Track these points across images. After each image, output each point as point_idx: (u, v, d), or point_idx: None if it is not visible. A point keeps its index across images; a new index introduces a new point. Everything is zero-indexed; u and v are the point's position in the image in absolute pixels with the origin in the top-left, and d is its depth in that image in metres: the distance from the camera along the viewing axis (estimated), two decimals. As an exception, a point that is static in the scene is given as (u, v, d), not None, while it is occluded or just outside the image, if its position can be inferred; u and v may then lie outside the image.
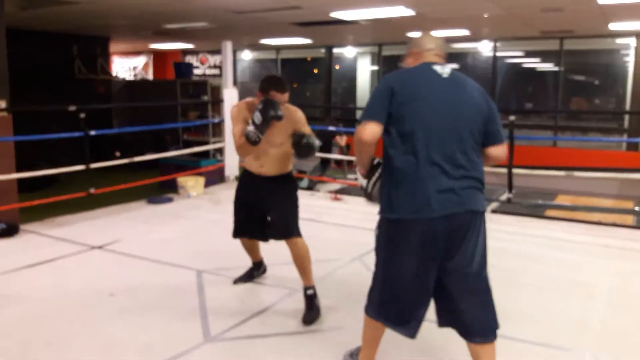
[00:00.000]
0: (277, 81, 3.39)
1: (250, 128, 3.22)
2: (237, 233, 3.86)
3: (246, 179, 3.72)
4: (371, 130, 2.39)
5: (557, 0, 6.94)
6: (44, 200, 5.98)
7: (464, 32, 10.52)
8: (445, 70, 2.54)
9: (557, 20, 8.71)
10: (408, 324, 2.52)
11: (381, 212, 2.55)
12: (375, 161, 2.62)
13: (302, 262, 3.60)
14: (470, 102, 2.49)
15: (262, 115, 3.18)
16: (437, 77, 2.50)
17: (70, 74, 11.36)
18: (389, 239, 2.51)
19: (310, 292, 3.61)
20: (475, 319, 2.52)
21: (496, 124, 2.54)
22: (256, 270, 4.20)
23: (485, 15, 8.41)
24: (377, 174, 2.61)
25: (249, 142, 3.23)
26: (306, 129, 3.51)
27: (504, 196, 6.83)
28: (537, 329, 3.43)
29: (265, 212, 3.67)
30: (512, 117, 6.64)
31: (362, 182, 2.70)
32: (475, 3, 7.26)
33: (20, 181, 5.92)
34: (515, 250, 5.13)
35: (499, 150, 2.56)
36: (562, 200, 7.29)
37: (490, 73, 12.44)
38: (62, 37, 11.23)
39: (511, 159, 6.64)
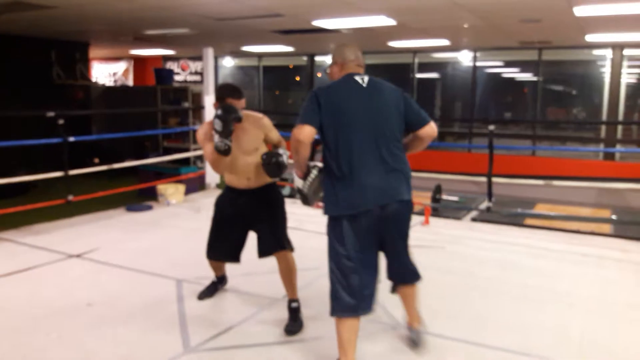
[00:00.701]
0: (232, 88, 3.42)
1: (216, 138, 3.23)
2: (213, 255, 3.76)
3: (230, 197, 3.60)
4: (307, 132, 2.70)
5: (535, 11, 7.05)
6: (20, 208, 5.87)
7: (444, 42, 10.63)
8: (364, 79, 2.89)
9: (536, 31, 8.85)
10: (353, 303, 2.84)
11: (326, 212, 2.85)
12: (311, 164, 2.90)
13: (290, 275, 3.60)
14: (388, 104, 2.87)
15: (221, 120, 3.18)
16: (359, 87, 2.86)
17: (49, 79, 11.19)
18: (334, 233, 2.83)
19: (294, 304, 3.60)
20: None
21: (415, 112, 2.94)
22: (220, 284, 4.14)
23: (465, 26, 8.51)
24: (312, 176, 2.89)
25: (221, 153, 3.22)
26: (274, 134, 3.58)
27: (484, 205, 6.89)
28: (516, 338, 3.46)
29: (249, 228, 3.61)
30: (491, 127, 6.71)
31: (299, 183, 2.94)
32: (455, 13, 7.33)
33: (-5, 188, 5.82)
34: (494, 258, 5.17)
35: (427, 130, 2.95)
36: (541, 209, 7.37)
37: (470, 82, 12.59)
38: (40, 42, 11.06)
39: (490, 168, 6.70)
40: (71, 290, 4.07)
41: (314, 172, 2.89)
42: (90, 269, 4.61)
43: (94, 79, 15.32)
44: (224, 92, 3.37)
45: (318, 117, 2.74)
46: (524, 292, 4.27)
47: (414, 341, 3.29)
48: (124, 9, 7.58)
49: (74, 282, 4.29)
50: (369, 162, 2.75)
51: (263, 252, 3.58)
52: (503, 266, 4.93)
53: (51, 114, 6.11)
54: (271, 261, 4.81)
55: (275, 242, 3.54)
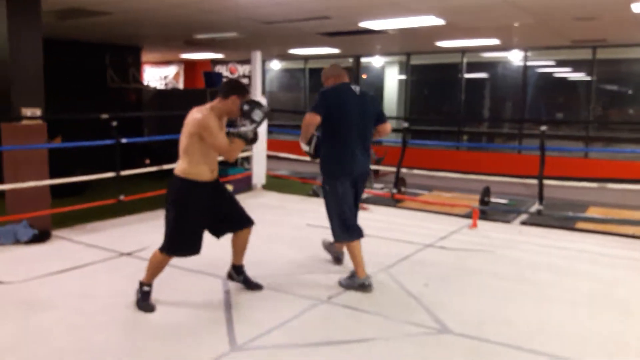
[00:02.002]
0: (245, 87, 3.82)
1: (248, 128, 3.60)
2: (185, 252, 3.78)
3: (199, 190, 3.68)
4: (317, 119, 4.10)
5: (591, 9, 6.80)
6: (75, 207, 6.08)
7: (494, 42, 10.39)
8: (357, 89, 4.27)
9: (590, 29, 8.53)
10: (358, 229, 4.34)
11: (326, 176, 4.29)
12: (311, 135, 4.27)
13: (246, 246, 4.07)
14: (370, 110, 4.30)
15: (264, 112, 3.64)
16: (354, 94, 4.23)
17: (103, 82, 11.57)
18: (335, 189, 4.23)
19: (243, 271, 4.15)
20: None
21: (382, 113, 4.41)
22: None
23: (516, 25, 8.30)
24: (313, 142, 4.31)
25: (248, 143, 3.64)
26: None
27: (534, 208, 6.69)
28: (570, 346, 3.33)
29: (213, 217, 3.81)
30: (543, 127, 6.51)
31: (305, 148, 4.35)
32: (506, 12, 7.15)
33: (52, 187, 6.03)
34: (545, 263, 5.01)
35: (385, 127, 4.38)
36: (593, 212, 7.09)
37: (520, 82, 12.25)
38: (96, 47, 11.47)
39: (542, 169, 6.50)
40: (122, 288, 4.16)
41: (314, 139, 4.30)
42: (141, 267, 4.69)
43: (145, 83, 15.74)
44: (244, 89, 3.76)
45: (324, 111, 4.10)
46: (576, 298, 4.12)
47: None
48: (175, 14, 7.76)
49: (124, 279, 4.39)
50: (357, 147, 4.20)
51: (242, 226, 3.95)
52: (554, 271, 4.77)
53: (105, 116, 6.30)
54: (312, 263, 4.83)
55: (247, 217, 3.96)
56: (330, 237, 4.65)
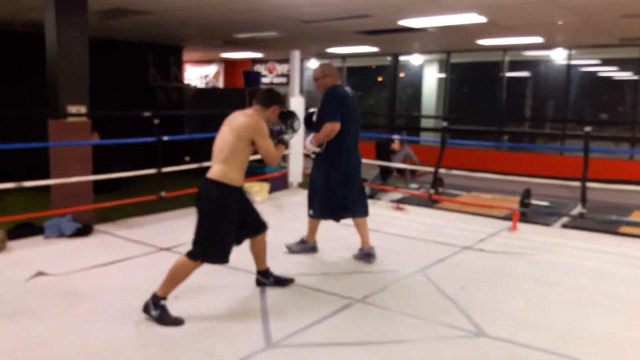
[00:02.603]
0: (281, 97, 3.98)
1: (290, 135, 3.95)
2: (229, 255, 3.70)
3: (236, 195, 3.68)
4: (338, 126, 4.60)
5: (638, 6, 6.56)
6: (117, 202, 6.23)
7: (537, 40, 10.15)
8: (349, 89, 4.81)
9: (638, 27, 8.23)
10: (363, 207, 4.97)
11: (333, 164, 4.77)
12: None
13: (265, 249, 4.10)
14: (358, 107, 4.88)
15: (301, 123, 4.11)
16: (350, 94, 4.78)
17: (145, 81, 11.83)
18: (342, 175, 4.78)
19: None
20: None
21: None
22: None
23: (560, 23, 8.07)
24: (323, 145, 4.74)
25: (286, 148, 3.94)
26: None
27: (576, 211, 6.51)
28: (605, 353, 3.23)
29: (240, 220, 3.78)
30: (587, 128, 6.32)
31: (315, 148, 4.76)
32: (550, 10, 6.97)
33: (95, 183, 6.20)
34: (587, 267, 4.86)
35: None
36: (638, 216, 6.85)
37: (563, 82, 11.91)
38: (138, 46, 11.73)
39: (585, 171, 6.32)
40: (160, 282, 4.24)
41: (324, 144, 4.72)
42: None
43: (186, 81, 16.00)
44: (282, 100, 3.93)
45: (341, 116, 4.61)
46: (618, 304, 3.98)
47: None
48: (215, 14, 7.86)
49: (163, 274, 4.47)
50: (356, 143, 4.84)
51: (260, 230, 4.00)
52: (596, 276, 4.63)
53: (147, 114, 6.44)
54: (346, 261, 4.82)
55: (264, 222, 4.01)
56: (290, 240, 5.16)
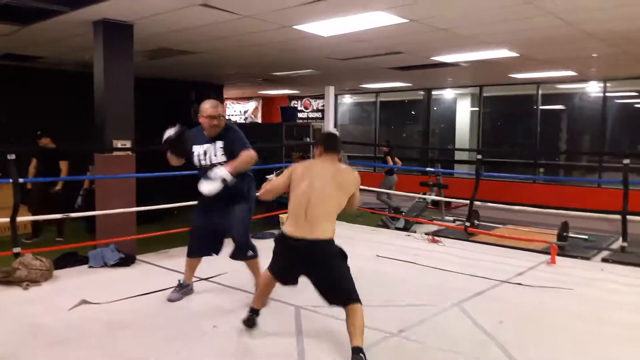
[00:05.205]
0: None
1: None
2: None
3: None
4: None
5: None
6: (158, 233, 6.30)
7: (570, 73, 9.98)
8: None
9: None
10: None
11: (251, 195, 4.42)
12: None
13: None
14: None
15: None
16: None
17: (187, 117, 12.09)
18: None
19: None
20: None
21: None
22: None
23: (594, 55, 7.93)
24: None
25: None
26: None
27: (617, 244, 6.24)
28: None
29: None
30: (626, 160, 6.10)
31: (230, 178, 3.99)
32: (583, 43, 6.86)
33: (139, 213, 6.29)
34: (629, 303, 4.62)
35: None
36: (684, 250, 6.51)
37: (599, 114, 11.62)
38: (181, 85, 12.05)
39: (625, 204, 6.08)
40: (199, 313, 4.22)
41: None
42: (218, 292, 4.78)
43: (227, 117, 16.30)
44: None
45: None
46: (667, 344, 3.75)
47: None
48: (255, 53, 8.03)
49: (201, 304, 4.45)
50: None
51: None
52: (638, 312, 4.39)
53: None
54: (382, 294, 4.70)
55: None
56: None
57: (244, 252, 4.37)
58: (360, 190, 3.70)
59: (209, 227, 4.42)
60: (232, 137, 4.28)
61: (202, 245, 4.55)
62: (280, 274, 3.65)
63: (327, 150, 3.61)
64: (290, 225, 3.48)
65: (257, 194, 3.90)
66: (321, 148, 3.63)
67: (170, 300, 4.49)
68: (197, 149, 4.36)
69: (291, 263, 3.55)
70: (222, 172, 3.99)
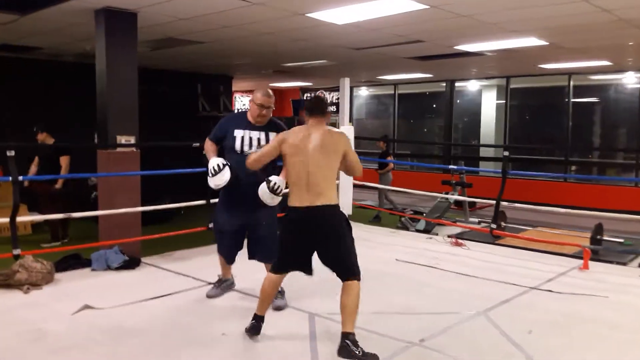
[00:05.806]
0: None
1: None
2: None
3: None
4: None
5: None
6: (164, 234, 6.35)
7: (605, 63, 9.87)
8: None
9: None
10: None
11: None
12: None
13: None
14: None
15: None
16: None
17: (194, 111, 12.17)
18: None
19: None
20: None
21: None
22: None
23: (630, 44, 7.84)
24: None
25: None
26: None
27: (656, 248, 6.18)
28: None
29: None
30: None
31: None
32: (618, 31, 6.77)
33: (144, 214, 6.34)
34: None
35: None
36: None
37: (637, 107, 11.47)
38: (188, 76, 12.12)
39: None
40: (208, 318, 4.26)
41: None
42: (226, 297, 4.81)
43: (236, 111, 16.37)
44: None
45: None
46: None
47: None
48: (265, 43, 8.04)
49: (210, 309, 4.49)
50: None
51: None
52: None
53: (196, 144, 6.56)
54: (402, 301, 4.70)
55: None
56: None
57: (270, 255, 4.29)
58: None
59: (236, 224, 4.49)
60: (277, 130, 4.36)
61: (232, 246, 4.64)
62: (293, 261, 3.75)
63: (313, 115, 3.74)
64: (295, 199, 3.64)
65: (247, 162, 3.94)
66: (307, 113, 3.78)
67: (209, 296, 4.75)
68: (239, 133, 4.41)
69: (300, 238, 3.68)
70: (280, 181, 4.04)
